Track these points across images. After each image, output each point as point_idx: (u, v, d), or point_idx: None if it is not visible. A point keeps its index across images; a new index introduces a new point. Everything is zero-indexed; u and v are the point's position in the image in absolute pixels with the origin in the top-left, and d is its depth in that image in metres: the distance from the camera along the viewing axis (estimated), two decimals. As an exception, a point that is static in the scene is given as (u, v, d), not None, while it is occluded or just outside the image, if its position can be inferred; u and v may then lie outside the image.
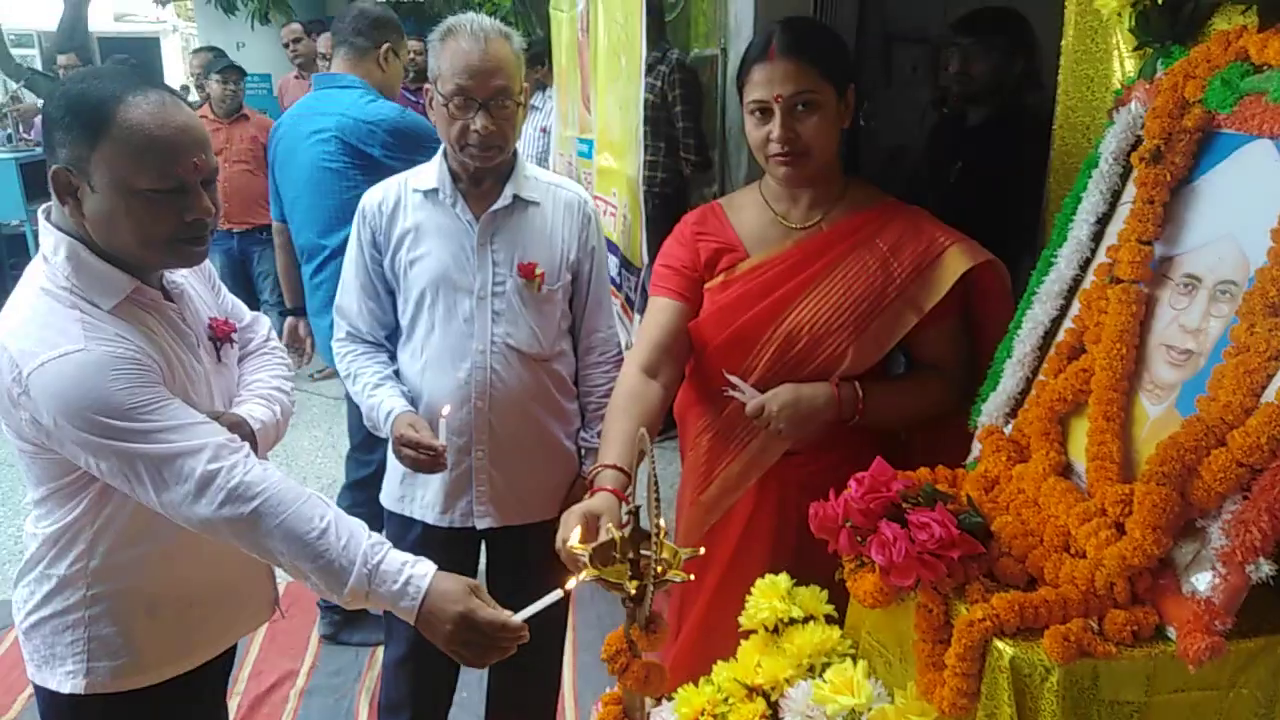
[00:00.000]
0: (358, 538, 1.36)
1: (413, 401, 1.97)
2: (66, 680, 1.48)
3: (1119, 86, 1.47)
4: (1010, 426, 1.40)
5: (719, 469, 1.72)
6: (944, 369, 1.66)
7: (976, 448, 1.44)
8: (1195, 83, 1.24)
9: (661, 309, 1.73)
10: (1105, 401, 1.20)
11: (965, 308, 1.64)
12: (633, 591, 1.17)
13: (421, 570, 1.37)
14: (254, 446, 1.49)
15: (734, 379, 1.62)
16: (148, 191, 1.31)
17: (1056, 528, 1.15)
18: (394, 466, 2.04)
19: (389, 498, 2.11)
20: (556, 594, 1.27)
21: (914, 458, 1.46)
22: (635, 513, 1.17)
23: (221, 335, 1.58)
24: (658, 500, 1.12)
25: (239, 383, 1.65)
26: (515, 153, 1.96)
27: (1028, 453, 1.32)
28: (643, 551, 1.19)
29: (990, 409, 1.44)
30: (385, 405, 1.92)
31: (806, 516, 1.43)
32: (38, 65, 10.31)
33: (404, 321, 2.00)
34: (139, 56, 12.45)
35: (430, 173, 1.96)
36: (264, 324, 1.78)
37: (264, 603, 1.73)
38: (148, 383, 1.33)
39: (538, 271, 1.92)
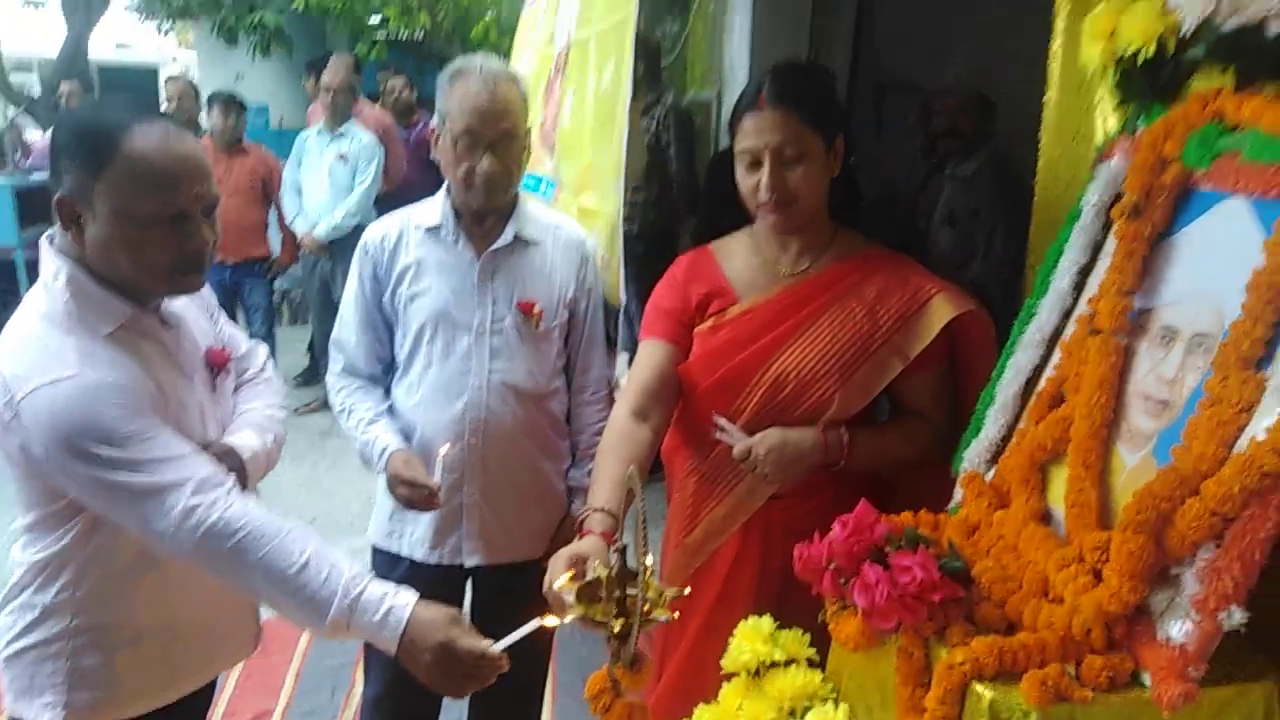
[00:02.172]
0: (339, 570, 1.36)
1: (406, 437, 1.98)
2: (45, 711, 1.46)
3: (1101, 142, 1.51)
4: (992, 473, 1.42)
5: (704, 512, 1.73)
6: (928, 416, 1.68)
7: (958, 493, 1.46)
8: (1174, 140, 1.28)
9: (651, 352, 1.74)
10: (1084, 450, 1.22)
11: (950, 356, 1.67)
12: (617, 630, 1.18)
13: (403, 600, 1.37)
14: (244, 475, 1.51)
15: (722, 421, 1.63)
16: (149, 220, 1.34)
17: (1036, 573, 1.17)
18: (383, 502, 2.05)
19: (377, 533, 2.11)
20: (535, 623, 1.29)
21: (897, 502, 1.47)
22: (622, 552, 1.18)
23: (218, 364, 1.59)
24: (645, 538, 1.13)
25: (233, 411, 1.66)
26: (517, 192, 1.99)
27: (1008, 499, 1.34)
28: (628, 590, 1.20)
29: (972, 455, 1.46)
30: (380, 442, 1.93)
31: (791, 560, 1.44)
32: (36, 91, 10.38)
33: (401, 356, 2.02)
34: (138, 85, 12.53)
35: (433, 209, 1.98)
36: (262, 352, 1.79)
37: (246, 636, 1.72)
38: (139, 411, 1.34)
39: (536, 309, 1.95)
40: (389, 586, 1.38)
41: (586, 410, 2.09)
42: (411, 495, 1.85)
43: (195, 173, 1.37)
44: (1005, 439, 1.43)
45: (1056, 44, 1.68)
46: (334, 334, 2.07)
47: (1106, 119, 1.55)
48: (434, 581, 2.01)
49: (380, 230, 2.01)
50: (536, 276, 1.98)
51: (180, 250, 1.38)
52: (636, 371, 1.75)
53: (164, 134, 1.35)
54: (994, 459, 1.43)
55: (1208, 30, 1.23)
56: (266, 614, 1.73)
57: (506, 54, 9.20)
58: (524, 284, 1.96)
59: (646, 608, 1.18)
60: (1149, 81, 1.39)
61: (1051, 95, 1.68)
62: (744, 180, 1.63)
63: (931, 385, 1.67)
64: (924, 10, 4.03)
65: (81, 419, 1.29)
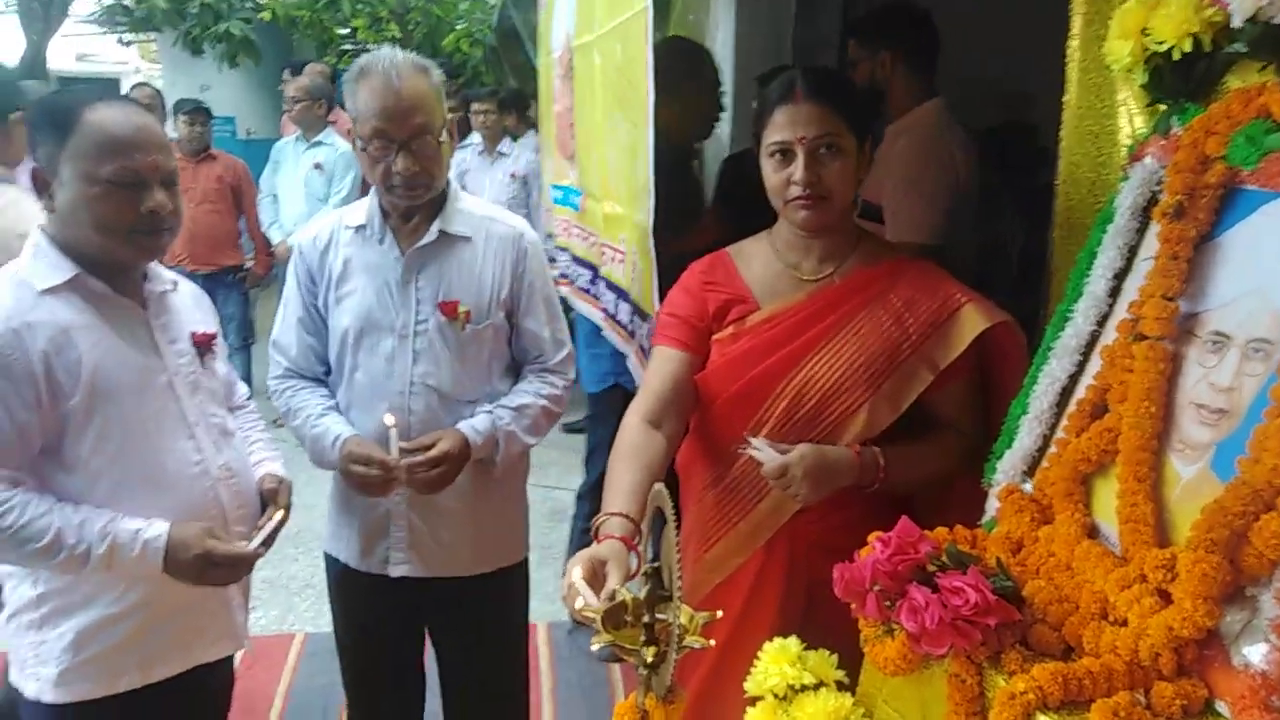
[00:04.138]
0: (89, 530, 1.46)
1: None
2: (28, 681, 1.56)
3: (1130, 142, 1.46)
4: (1029, 485, 1.36)
5: (726, 527, 1.65)
6: (960, 428, 1.62)
7: (993, 506, 1.40)
8: (1216, 139, 1.23)
9: (665, 359, 1.67)
10: (1135, 462, 1.16)
11: (977, 366, 1.61)
12: (649, 659, 1.10)
13: (155, 532, 1.50)
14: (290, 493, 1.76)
15: (755, 440, 1.54)
16: (107, 182, 1.46)
17: (1093, 593, 1.10)
18: (331, 505, 2.01)
19: (325, 537, 2.06)
20: (277, 518, 1.64)
21: (918, 515, 1.41)
22: (654, 573, 1.10)
23: (202, 343, 1.69)
24: (679, 561, 1.05)
25: (248, 439, 1.82)
26: (448, 185, 1.91)
27: (1050, 513, 1.28)
28: (658, 615, 1.12)
29: (1006, 467, 1.40)
30: (333, 431, 1.86)
31: (816, 576, 1.37)
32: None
33: (333, 360, 1.95)
34: (99, 96, 12.31)
35: (362, 209, 1.92)
36: (242, 387, 1.93)
37: (224, 632, 1.73)
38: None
39: (461, 309, 1.86)
40: (140, 523, 1.50)
41: (534, 376, 1.97)
42: (367, 476, 1.78)
43: (151, 141, 1.50)
44: (1041, 450, 1.37)
45: (1074, 45, 1.63)
46: (274, 336, 2.01)
47: (1133, 119, 1.51)
48: (377, 591, 1.97)
49: (313, 231, 1.95)
50: (465, 274, 1.88)
51: (136, 212, 1.49)
52: (649, 379, 1.68)
53: (123, 107, 1.51)
54: (1030, 471, 1.37)
55: (1254, 23, 1.19)
56: (254, 629, 1.83)
57: (476, 67, 9.09)
58: (450, 282, 1.87)
59: (680, 634, 1.10)
60: (1181, 79, 1.35)
61: (1070, 97, 1.63)
62: (773, 175, 1.56)
63: (961, 396, 1.61)
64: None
65: None
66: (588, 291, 2.92)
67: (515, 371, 2.00)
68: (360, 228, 1.90)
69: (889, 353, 1.55)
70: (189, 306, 1.72)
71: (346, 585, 2.02)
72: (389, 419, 1.79)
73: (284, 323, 1.99)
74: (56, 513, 1.47)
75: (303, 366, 1.97)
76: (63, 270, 1.50)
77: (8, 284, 1.50)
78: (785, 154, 1.54)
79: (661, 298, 1.98)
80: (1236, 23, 1.18)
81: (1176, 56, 1.30)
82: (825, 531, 1.57)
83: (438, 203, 1.88)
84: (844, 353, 1.55)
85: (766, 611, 1.62)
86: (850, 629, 1.28)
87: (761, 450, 1.52)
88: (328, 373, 1.99)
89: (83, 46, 14.15)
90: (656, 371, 1.68)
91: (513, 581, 2.10)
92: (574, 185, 2.98)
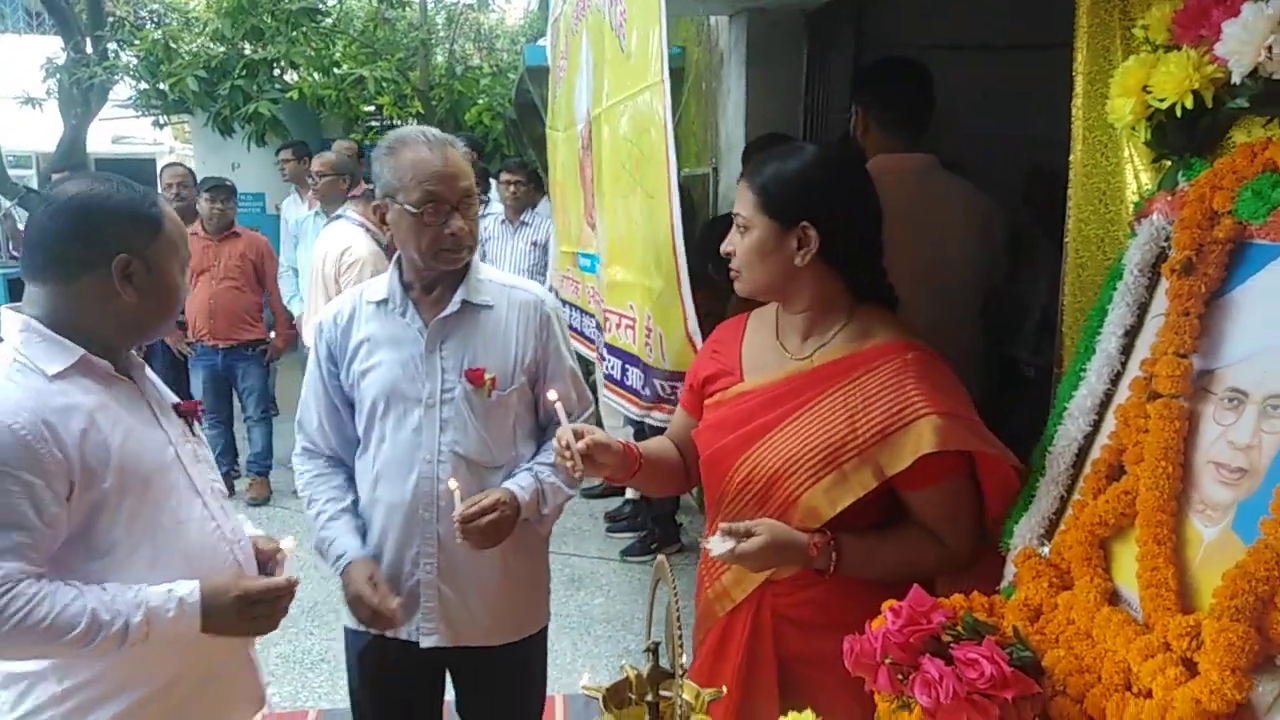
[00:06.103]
0: (121, 603, 1.41)
1: (364, 519, 1.93)
2: None
3: (1137, 199, 1.45)
4: (1046, 549, 1.32)
5: (703, 590, 1.65)
6: (939, 535, 1.49)
7: (1010, 572, 1.36)
8: (1223, 194, 1.21)
9: (677, 416, 1.82)
10: (1154, 524, 1.12)
11: (969, 471, 1.48)
12: (653, 738, 1.06)
13: (187, 588, 1.46)
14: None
15: (716, 534, 1.46)
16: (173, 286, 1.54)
17: (1115, 663, 1.06)
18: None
19: (346, 611, 2.01)
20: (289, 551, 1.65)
21: (929, 582, 1.36)
22: (655, 650, 1.07)
23: (189, 411, 1.68)
24: (680, 636, 1.02)
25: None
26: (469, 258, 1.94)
27: (1069, 578, 1.23)
28: (662, 693, 1.08)
29: (1024, 530, 1.37)
30: (339, 545, 1.88)
31: (789, 650, 1.45)
32: (34, 185, 10.41)
33: (360, 433, 1.96)
34: (134, 177, 12.66)
35: (382, 284, 1.94)
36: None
37: (249, 695, 1.70)
38: (10, 463, 1.37)
39: (487, 377, 1.87)
40: (168, 585, 1.45)
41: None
42: (371, 621, 1.84)
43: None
44: (1059, 512, 1.34)
45: (1078, 104, 1.63)
46: (298, 414, 2.02)
47: (1139, 175, 1.49)
48: (404, 660, 1.94)
49: (334, 308, 1.98)
50: (489, 342, 1.90)
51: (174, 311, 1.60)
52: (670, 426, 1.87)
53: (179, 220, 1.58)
54: (1047, 534, 1.34)
55: (1254, 79, 1.18)
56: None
57: (498, 139, 9.26)
58: (475, 351, 1.88)
59: (685, 712, 1.06)
60: (1185, 135, 1.34)
61: (1076, 155, 1.62)
62: None
63: (938, 503, 1.48)
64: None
65: None
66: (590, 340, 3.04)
67: (537, 436, 2.01)
68: (382, 302, 1.92)
69: (831, 449, 1.46)
70: (156, 379, 1.71)
71: (372, 654, 1.99)
72: (452, 483, 1.78)
73: (304, 400, 2.00)
74: (87, 596, 1.41)
75: (320, 444, 1.98)
76: (67, 352, 1.46)
77: (16, 375, 1.43)
78: None
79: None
80: (1236, 79, 1.17)
81: (1179, 113, 1.29)
82: (792, 605, 1.53)
83: (459, 273, 1.90)
84: (791, 441, 1.49)
85: (725, 678, 1.55)
86: (836, 705, 1.25)
87: (716, 546, 1.42)
88: (347, 446, 1.99)
89: (119, 129, 14.58)
90: (671, 425, 1.84)
91: (535, 650, 2.09)
92: (595, 252, 3.03)
